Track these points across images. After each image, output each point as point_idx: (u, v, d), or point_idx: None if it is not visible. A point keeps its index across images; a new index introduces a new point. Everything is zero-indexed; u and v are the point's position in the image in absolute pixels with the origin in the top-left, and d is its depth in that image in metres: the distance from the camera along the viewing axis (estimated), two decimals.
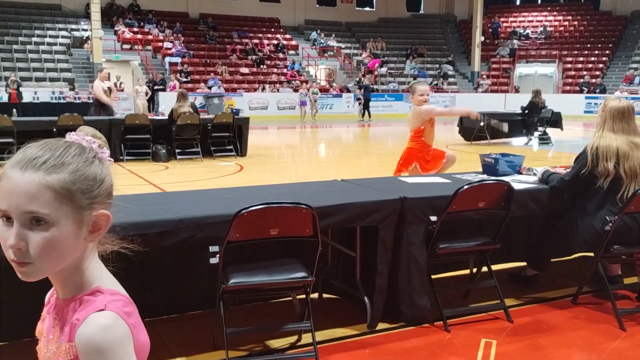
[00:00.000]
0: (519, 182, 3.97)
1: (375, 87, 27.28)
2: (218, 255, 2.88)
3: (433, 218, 3.52)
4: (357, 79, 24.03)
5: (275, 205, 2.89)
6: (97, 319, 0.99)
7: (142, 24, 27.23)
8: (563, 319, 3.67)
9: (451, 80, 29.50)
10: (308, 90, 23.45)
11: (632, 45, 29.68)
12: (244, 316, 3.58)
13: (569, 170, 3.95)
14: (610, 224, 3.60)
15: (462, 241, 3.74)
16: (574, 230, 3.83)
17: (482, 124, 14.11)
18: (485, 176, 4.22)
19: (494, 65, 30.52)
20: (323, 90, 24.74)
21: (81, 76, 22.83)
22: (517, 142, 15.00)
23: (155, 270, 3.53)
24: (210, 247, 2.90)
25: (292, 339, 3.34)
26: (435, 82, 28.72)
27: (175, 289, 3.63)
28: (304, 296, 3.22)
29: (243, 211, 2.84)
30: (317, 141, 17.64)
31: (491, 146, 13.68)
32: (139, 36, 26.05)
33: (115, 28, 25.63)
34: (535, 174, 4.16)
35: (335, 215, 3.30)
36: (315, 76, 28.49)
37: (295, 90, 24.61)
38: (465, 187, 3.47)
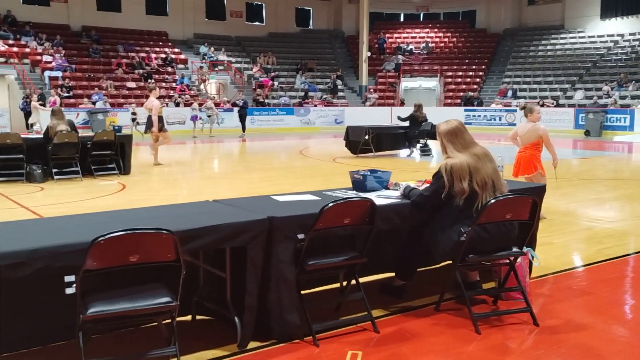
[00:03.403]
0: (385, 198, 4.16)
1: (267, 101, 27.43)
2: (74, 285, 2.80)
3: (301, 236, 3.62)
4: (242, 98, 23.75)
5: (133, 232, 2.86)
6: None
7: (18, 36, 25.80)
8: (425, 326, 3.88)
9: (340, 94, 30.18)
10: (201, 105, 23.22)
11: (504, 61, 31.83)
12: (109, 345, 3.49)
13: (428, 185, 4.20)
14: (464, 235, 3.86)
15: (331, 256, 3.86)
16: (435, 241, 4.07)
17: (367, 137, 14.63)
18: (353, 192, 4.39)
19: (381, 80, 31.62)
20: (216, 105, 24.47)
21: None
22: (401, 154, 15.61)
23: (10, 300, 3.35)
24: (65, 276, 2.81)
25: None
26: (325, 97, 29.27)
27: (35, 319, 3.46)
28: (170, 320, 3.19)
29: (100, 239, 2.78)
30: (206, 157, 17.43)
31: (376, 159, 14.16)
32: (15, 49, 24.64)
33: None
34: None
35: (204, 238, 3.31)
36: (206, 90, 28.18)
37: (187, 105, 24.22)
38: (331, 204, 3.59)
